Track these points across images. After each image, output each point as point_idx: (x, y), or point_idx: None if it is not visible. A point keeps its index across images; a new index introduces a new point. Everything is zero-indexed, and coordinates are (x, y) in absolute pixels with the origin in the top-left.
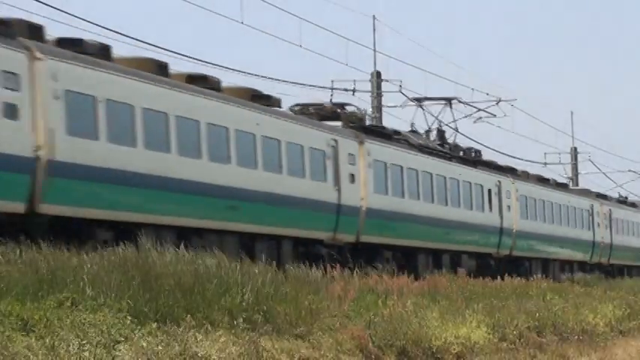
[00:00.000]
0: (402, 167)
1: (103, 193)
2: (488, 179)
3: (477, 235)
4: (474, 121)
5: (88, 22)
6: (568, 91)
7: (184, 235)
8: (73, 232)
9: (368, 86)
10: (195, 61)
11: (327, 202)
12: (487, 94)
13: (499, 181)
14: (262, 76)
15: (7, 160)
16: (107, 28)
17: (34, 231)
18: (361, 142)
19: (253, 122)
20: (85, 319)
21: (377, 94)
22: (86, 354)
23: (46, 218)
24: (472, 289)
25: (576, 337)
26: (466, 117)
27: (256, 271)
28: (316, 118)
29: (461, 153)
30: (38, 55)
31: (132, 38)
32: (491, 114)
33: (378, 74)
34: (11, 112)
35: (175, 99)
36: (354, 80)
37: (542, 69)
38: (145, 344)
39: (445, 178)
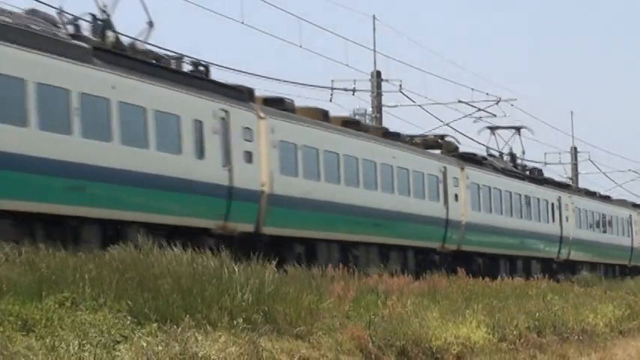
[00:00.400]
0: (489, 187)
1: (301, 217)
2: (551, 195)
3: (542, 243)
4: (474, 121)
5: (86, 20)
6: (568, 91)
7: (347, 248)
8: (281, 248)
9: (368, 86)
10: (193, 59)
11: (439, 217)
12: (487, 94)
13: (559, 197)
14: (262, 76)
15: (247, 193)
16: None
17: (256, 247)
18: (462, 168)
19: (390, 156)
20: (85, 319)
21: (377, 93)
22: (86, 354)
23: (266, 237)
24: (472, 289)
25: (576, 337)
26: (466, 117)
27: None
28: (422, 147)
29: (527, 172)
30: (262, 114)
31: (131, 38)
32: (491, 114)
33: (378, 74)
34: (249, 157)
35: (344, 142)
36: (354, 80)
37: (542, 69)
38: (144, 344)
39: (520, 195)
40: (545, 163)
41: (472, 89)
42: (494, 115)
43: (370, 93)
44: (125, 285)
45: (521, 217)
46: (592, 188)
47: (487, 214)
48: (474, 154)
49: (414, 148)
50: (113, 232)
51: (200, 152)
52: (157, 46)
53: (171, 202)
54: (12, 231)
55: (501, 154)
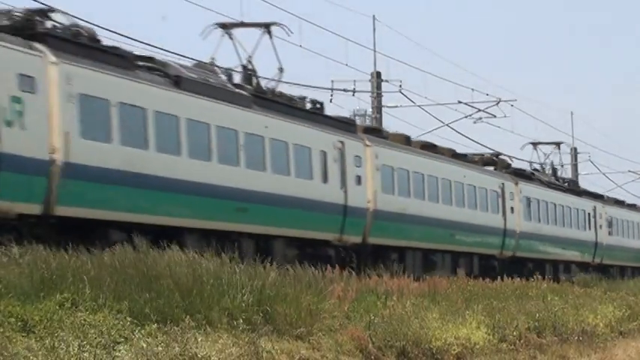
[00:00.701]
0: (538, 200)
1: (396, 229)
2: (587, 205)
3: (581, 249)
4: (474, 122)
5: (87, 22)
6: (568, 91)
7: (427, 255)
8: (381, 255)
9: (368, 86)
10: (194, 60)
11: (499, 227)
12: (487, 95)
13: (594, 207)
14: (262, 77)
15: (357, 210)
16: (104, 28)
17: (363, 255)
18: (516, 183)
19: (462, 175)
20: (85, 319)
21: (377, 94)
22: (86, 355)
23: (370, 246)
24: (472, 289)
25: (576, 337)
26: (466, 117)
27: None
28: (480, 164)
29: (566, 184)
30: (367, 143)
31: (131, 39)
32: (492, 114)
33: (378, 74)
34: (359, 180)
35: (426, 163)
36: (354, 80)
37: (542, 69)
38: (144, 345)
39: (563, 206)
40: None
41: (472, 90)
42: (494, 116)
43: (370, 93)
44: (125, 285)
45: (564, 225)
46: (591, 189)
47: (537, 224)
48: (524, 170)
49: (478, 167)
50: (263, 244)
51: (324, 177)
52: (159, 47)
53: (305, 220)
54: (195, 244)
55: (543, 168)
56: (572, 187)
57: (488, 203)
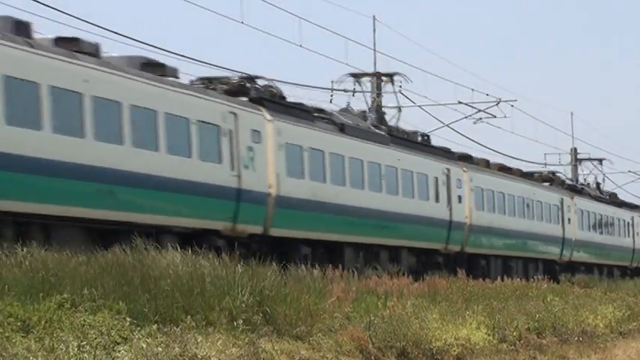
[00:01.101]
0: (589, 212)
1: (489, 240)
2: (627, 215)
3: (621, 254)
4: (474, 122)
5: (88, 22)
6: (568, 91)
7: (506, 260)
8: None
9: (368, 87)
10: (194, 61)
11: (559, 236)
12: (487, 95)
13: (632, 216)
14: (262, 77)
15: (458, 224)
16: (105, 28)
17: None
18: (572, 197)
19: (532, 192)
20: (84, 320)
21: (377, 94)
22: (86, 355)
23: (466, 255)
24: (472, 290)
25: (576, 338)
26: (466, 118)
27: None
28: (539, 180)
29: (607, 196)
30: (464, 169)
31: (131, 39)
32: (492, 115)
33: (378, 74)
34: (460, 199)
35: (506, 184)
36: (354, 81)
37: (542, 69)
38: (144, 345)
39: (608, 216)
40: (545, 164)
41: (472, 90)
42: (494, 116)
43: (370, 93)
44: (125, 286)
45: (609, 234)
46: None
47: (588, 233)
48: (575, 185)
49: (544, 185)
50: (394, 254)
51: (436, 198)
52: (158, 47)
53: (422, 233)
54: (350, 256)
55: (588, 183)
56: (613, 199)
57: (551, 215)
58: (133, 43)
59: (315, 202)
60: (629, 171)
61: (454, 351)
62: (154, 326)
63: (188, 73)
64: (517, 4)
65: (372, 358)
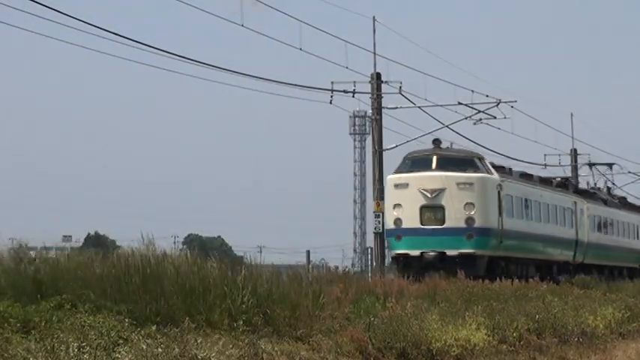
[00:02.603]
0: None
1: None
2: (636, 219)
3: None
4: (474, 123)
5: (89, 24)
6: (568, 92)
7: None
8: None
9: (368, 88)
10: (195, 62)
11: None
12: (487, 96)
13: None
14: (262, 78)
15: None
16: (105, 29)
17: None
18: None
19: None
20: (84, 321)
21: (377, 95)
22: (86, 356)
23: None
24: (472, 291)
25: (576, 339)
26: (466, 119)
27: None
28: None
29: (618, 200)
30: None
31: (130, 39)
32: (491, 116)
33: (378, 76)
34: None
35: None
36: (354, 82)
37: (543, 70)
38: (144, 346)
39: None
40: (545, 165)
41: (472, 91)
42: (494, 117)
43: (370, 95)
44: (126, 287)
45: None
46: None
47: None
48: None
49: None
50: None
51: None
52: (158, 48)
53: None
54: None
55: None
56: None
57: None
58: (133, 44)
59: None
60: (629, 172)
61: (454, 352)
62: (154, 327)
63: (188, 73)
64: (517, 5)
65: (372, 358)
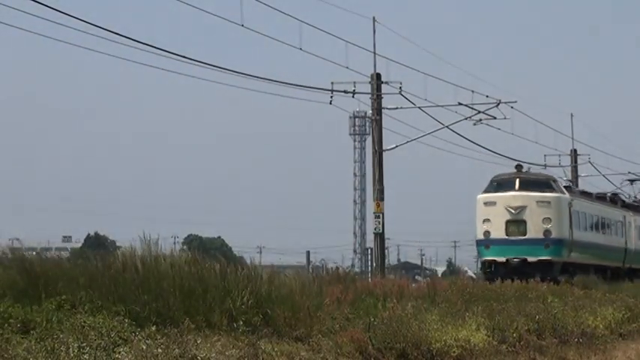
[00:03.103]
0: None
1: None
2: None
3: None
4: (474, 124)
5: (90, 24)
6: (568, 92)
7: None
8: None
9: (368, 88)
10: (195, 62)
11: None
12: (487, 97)
13: None
14: (262, 78)
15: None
16: (105, 29)
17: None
18: (633, 214)
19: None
20: (84, 321)
21: (377, 96)
22: (86, 357)
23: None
24: (472, 291)
25: (576, 339)
26: (466, 119)
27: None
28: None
29: None
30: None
31: (130, 39)
32: (492, 116)
33: (378, 76)
34: (629, 234)
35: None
36: (354, 82)
37: (543, 71)
38: (144, 347)
39: None
40: (545, 165)
41: (472, 91)
42: (494, 118)
43: (370, 95)
44: (126, 288)
45: None
46: (592, 191)
47: None
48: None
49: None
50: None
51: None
52: (158, 48)
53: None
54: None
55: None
56: None
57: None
58: (132, 44)
59: None
60: (629, 172)
61: (454, 352)
62: (154, 328)
63: (188, 73)
64: (518, 6)
65: (372, 359)
